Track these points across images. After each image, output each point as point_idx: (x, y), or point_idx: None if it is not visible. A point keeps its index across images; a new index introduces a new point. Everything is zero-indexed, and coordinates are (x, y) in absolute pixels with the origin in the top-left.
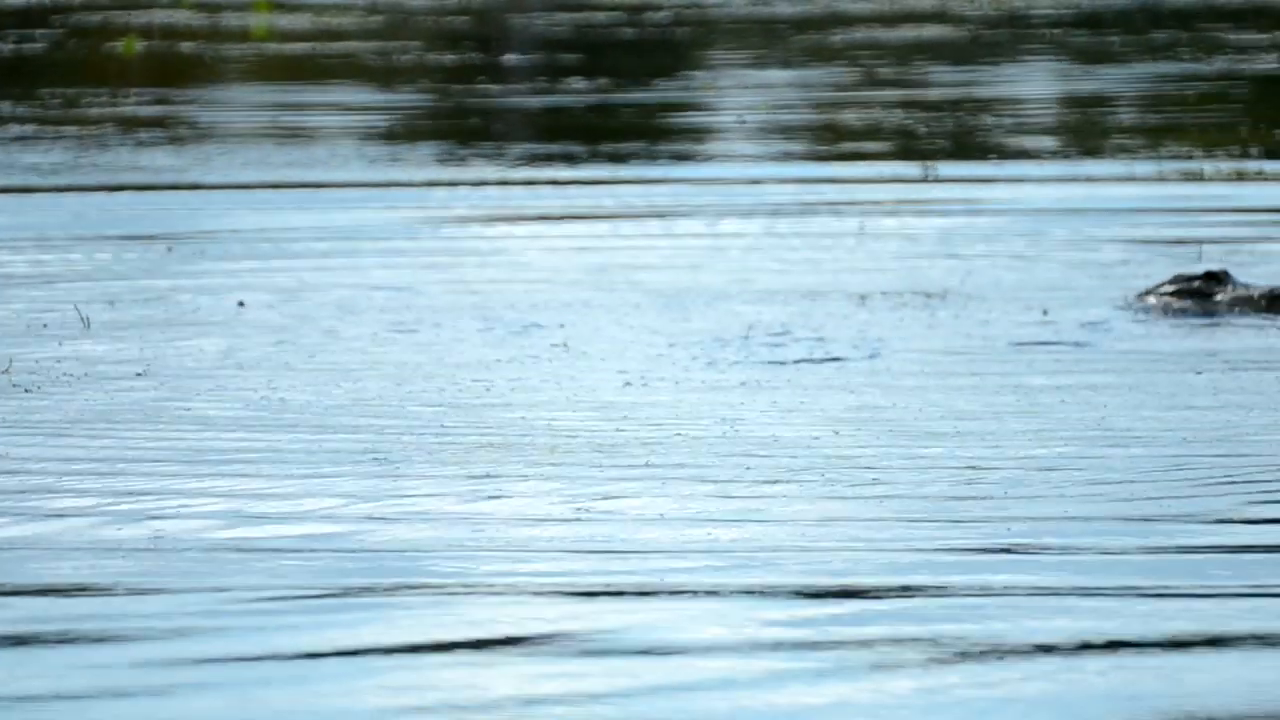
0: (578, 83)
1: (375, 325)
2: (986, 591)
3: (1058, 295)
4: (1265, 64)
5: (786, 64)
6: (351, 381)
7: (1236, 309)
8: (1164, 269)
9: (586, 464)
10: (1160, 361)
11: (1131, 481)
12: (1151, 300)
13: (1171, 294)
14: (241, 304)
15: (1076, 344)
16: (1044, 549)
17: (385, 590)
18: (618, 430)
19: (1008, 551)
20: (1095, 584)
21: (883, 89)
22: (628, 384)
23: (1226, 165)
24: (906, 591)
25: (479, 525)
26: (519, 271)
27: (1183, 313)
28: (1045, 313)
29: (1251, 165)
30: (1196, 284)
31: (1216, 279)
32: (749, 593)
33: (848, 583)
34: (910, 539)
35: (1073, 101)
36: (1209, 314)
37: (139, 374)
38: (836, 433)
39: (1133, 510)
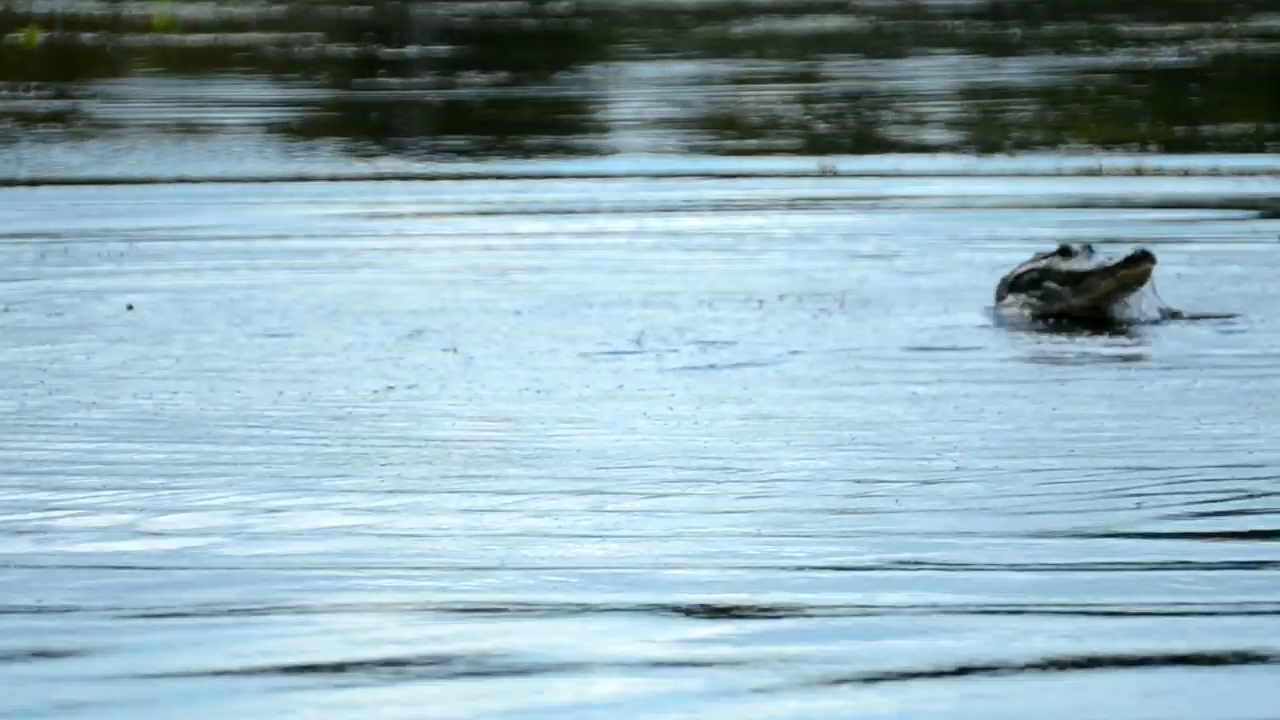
0: (479, 76)
1: (267, 328)
2: (877, 610)
3: (954, 296)
4: (1164, 57)
5: (688, 56)
6: (240, 388)
7: (1080, 283)
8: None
9: (476, 475)
10: (1053, 366)
11: (1024, 495)
12: (1009, 297)
13: (1024, 274)
14: (130, 307)
15: (972, 348)
16: (935, 565)
17: (275, 609)
18: (508, 440)
19: (899, 568)
20: (985, 602)
21: (783, 82)
22: (518, 391)
23: (1125, 161)
24: (799, 610)
25: (369, 539)
26: (415, 273)
27: (1038, 301)
28: (943, 311)
29: (1150, 161)
30: (1045, 261)
31: (1068, 253)
32: (641, 610)
33: (739, 600)
34: (801, 555)
35: (973, 95)
36: (1056, 294)
37: (30, 382)
38: (730, 441)
39: (1025, 525)
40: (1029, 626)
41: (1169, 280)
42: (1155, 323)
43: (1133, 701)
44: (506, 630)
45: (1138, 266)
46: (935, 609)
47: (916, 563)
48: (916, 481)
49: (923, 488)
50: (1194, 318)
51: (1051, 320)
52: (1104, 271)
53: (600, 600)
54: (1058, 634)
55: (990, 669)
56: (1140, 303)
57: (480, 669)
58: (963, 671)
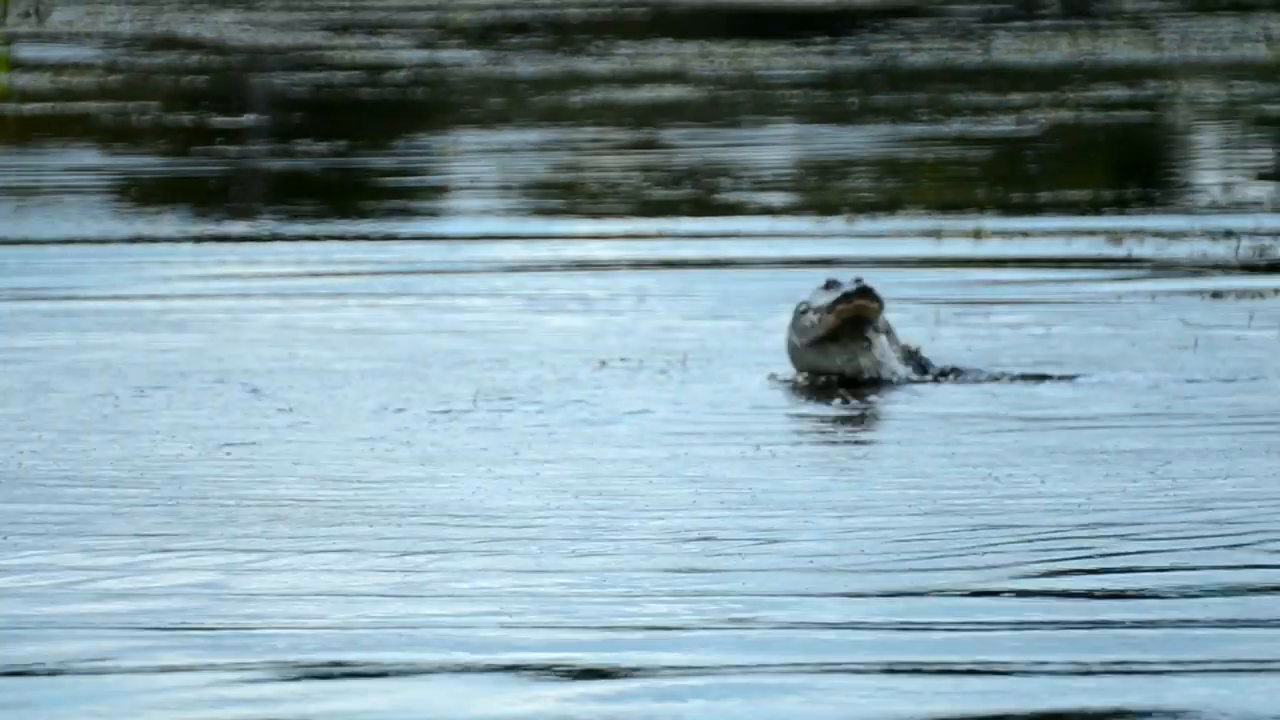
0: (317, 144)
1: (108, 388)
2: (717, 670)
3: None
4: (1001, 125)
5: (526, 125)
6: (81, 447)
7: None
8: (899, 330)
9: (315, 535)
10: (895, 423)
11: (868, 553)
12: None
13: (798, 307)
14: None
15: (814, 405)
16: (775, 624)
17: (115, 669)
18: (346, 499)
19: (739, 626)
20: (822, 661)
21: (623, 150)
22: (356, 451)
23: (964, 224)
24: (641, 670)
25: (208, 599)
26: (255, 333)
27: (796, 336)
28: (772, 376)
29: (989, 224)
30: (808, 296)
31: (829, 286)
32: (489, 670)
33: (585, 660)
34: (644, 615)
35: (812, 162)
36: (810, 327)
37: None
38: (572, 499)
39: (866, 584)
40: (869, 685)
41: (1012, 339)
42: (902, 380)
43: None
44: (357, 690)
45: (850, 303)
46: (772, 668)
47: (756, 622)
48: (760, 540)
49: (766, 546)
50: (1018, 377)
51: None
52: (828, 307)
53: (447, 660)
54: (902, 693)
55: None
56: (883, 350)
57: None
58: None
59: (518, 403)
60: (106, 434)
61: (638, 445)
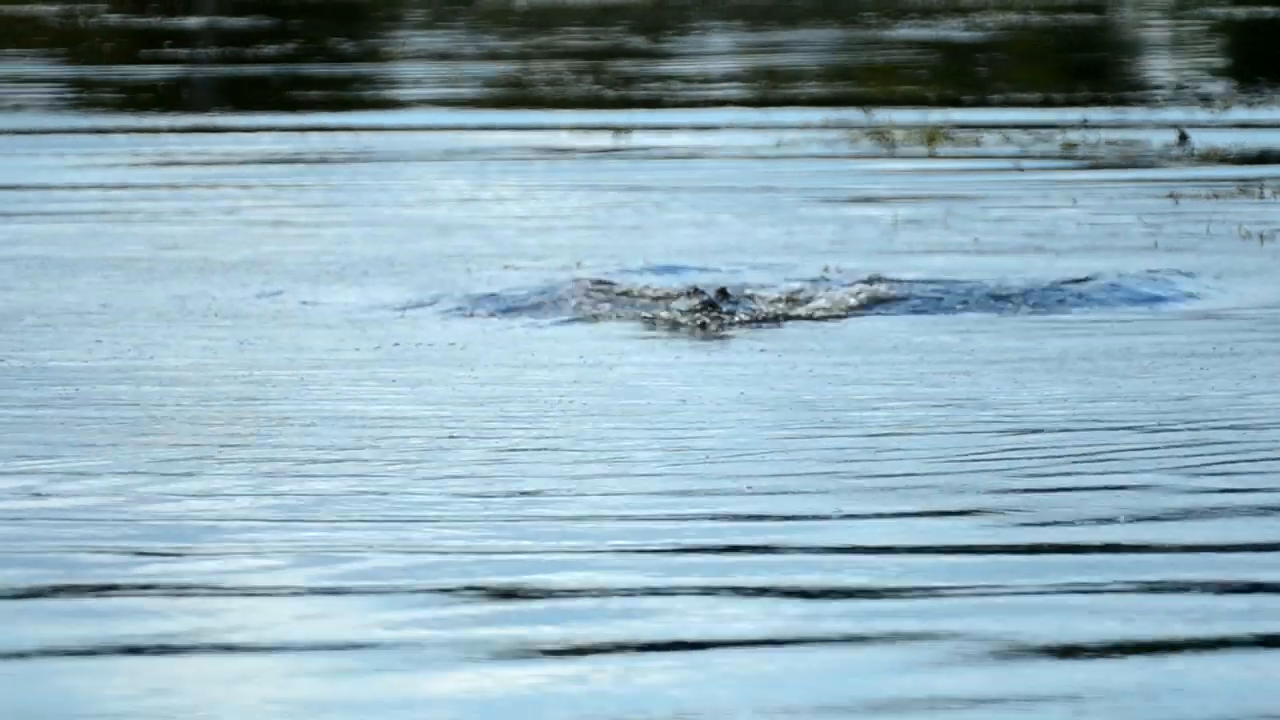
0: (267, 47)
1: (60, 284)
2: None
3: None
4: (949, 30)
5: (474, 29)
6: (26, 337)
7: None
8: (860, 235)
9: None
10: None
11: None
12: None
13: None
14: None
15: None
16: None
17: None
18: (183, 405)
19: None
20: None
21: (573, 57)
22: (211, 348)
23: (915, 126)
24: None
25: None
26: (197, 225)
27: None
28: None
29: (941, 124)
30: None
31: (712, 306)
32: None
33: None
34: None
35: (763, 68)
36: None
37: None
38: (489, 407)
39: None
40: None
41: (972, 241)
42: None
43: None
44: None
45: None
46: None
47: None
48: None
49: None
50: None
51: None
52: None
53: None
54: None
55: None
56: None
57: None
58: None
59: (417, 311)
60: (60, 327)
61: (566, 341)
